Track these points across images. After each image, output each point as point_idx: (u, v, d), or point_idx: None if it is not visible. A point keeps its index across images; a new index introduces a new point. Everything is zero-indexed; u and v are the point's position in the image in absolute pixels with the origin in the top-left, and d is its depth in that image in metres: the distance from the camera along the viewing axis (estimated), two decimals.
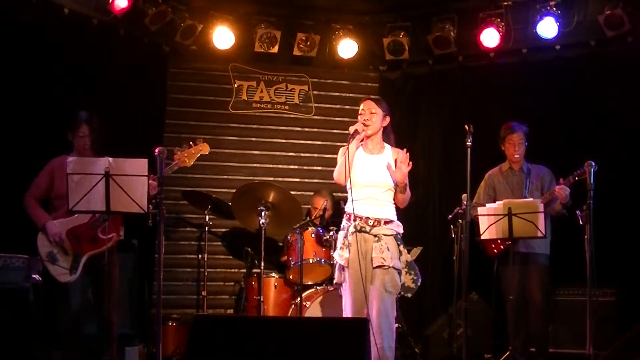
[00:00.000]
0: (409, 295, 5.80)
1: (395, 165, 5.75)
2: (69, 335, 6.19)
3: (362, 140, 5.84)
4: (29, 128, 7.19)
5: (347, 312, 5.62)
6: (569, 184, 6.79)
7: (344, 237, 5.72)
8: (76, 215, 6.06)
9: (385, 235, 5.68)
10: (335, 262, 5.83)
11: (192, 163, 6.50)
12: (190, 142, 6.48)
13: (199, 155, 6.49)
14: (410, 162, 5.73)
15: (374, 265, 5.60)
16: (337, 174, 5.78)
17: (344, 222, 5.79)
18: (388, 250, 5.62)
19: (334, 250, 5.98)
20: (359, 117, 5.84)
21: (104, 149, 6.28)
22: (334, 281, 5.86)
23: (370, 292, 5.58)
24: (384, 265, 5.59)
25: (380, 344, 5.49)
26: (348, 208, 5.78)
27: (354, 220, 5.67)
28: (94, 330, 6.32)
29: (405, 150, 5.73)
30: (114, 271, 6.36)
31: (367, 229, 5.66)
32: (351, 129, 5.74)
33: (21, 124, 7.16)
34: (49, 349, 6.72)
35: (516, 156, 7.23)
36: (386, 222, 5.72)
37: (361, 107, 5.88)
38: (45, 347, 6.65)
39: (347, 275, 5.66)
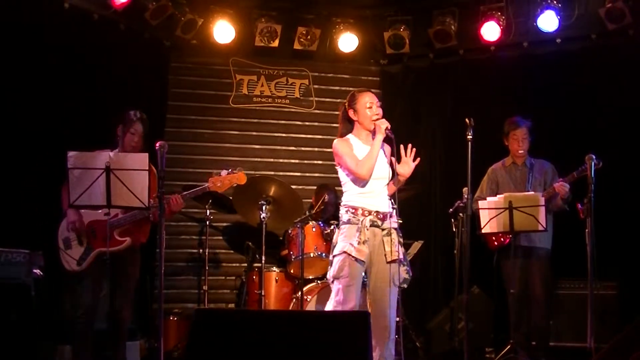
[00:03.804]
0: (405, 286, 5.74)
1: (399, 159, 5.70)
2: (80, 331, 6.18)
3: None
4: (30, 123, 7.19)
5: (353, 307, 5.50)
6: (571, 181, 6.80)
7: (358, 231, 5.52)
8: (105, 210, 6.00)
9: (393, 228, 5.65)
10: (338, 255, 5.57)
11: (224, 191, 6.50)
12: (230, 169, 6.45)
13: (233, 185, 6.45)
14: (418, 158, 5.68)
15: (389, 260, 5.55)
16: (366, 168, 5.55)
17: (350, 216, 5.59)
18: (398, 243, 5.62)
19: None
20: (367, 110, 5.65)
21: (103, 144, 6.28)
22: (335, 275, 5.57)
23: (382, 287, 5.56)
24: (397, 259, 5.57)
25: (388, 338, 5.50)
26: (354, 202, 5.64)
27: (363, 214, 5.57)
28: (104, 326, 6.32)
29: (410, 145, 5.68)
30: (130, 270, 6.33)
31: (379, 223, 5.59)
32: (382, 125, 5.57)
33: (22, 120, 7.16)
34: (55, 344, 6.73)
35: (520, 151, 7.24)
36: (390, 216, 5.68)
37: (366, 100, 5.68)
38: (51, 341, 6.66)
39: (358, 271, 5.53)
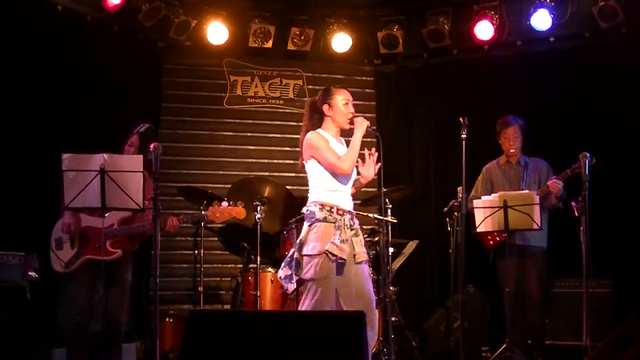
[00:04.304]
0: None
1: (380, 159, 5.65)
2: (75, 332, 6.18)
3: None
4: (25, 126, 7.17)
5: (331, 307, 5.40)
6: (564, 178, 6.81)
7: (338, 230, 5.40)
8: (107, 215, 5.97)
9: (360, 229, 5.62)
10: (316, 255, 5.38)
11: (220, 222, 6.53)
12: (230, 202, 6.44)
13: (231, 217, 6.44)
14: (379, 163, 5.68)
15: (359, 260, 5.49)
16: (349, 163, 5.49)
17: (326, 214, 5.44)
18: (364, 244, 5.60)
19: None
20: (344, 106, 5.60)
21: (98, 146, 6.26)
22: (316, 275, 5.37)
23: (364, 284, 5.50)
24: (365, 260, 5.55)
25: (375, 334, 5.48)
26: (327, 199, 5.49)
27: (338, 213, 5.46)
28: (98, 329, 6.29)
29: (374, 149, 5.63)
30: (127, 272, 6.35)
31: (351, 222, 5.52)
32: (364, 124, 5.56)
33: (17, 122, 7.14)
34: (49, 347, 6.71)
35: (512, 150, 7.24)
36: (355, 217, 5.64)
37: (343, 96, 5.63)
38: (45, 344, 6.65)
39: (336, 270, 5.41)
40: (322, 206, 5.49)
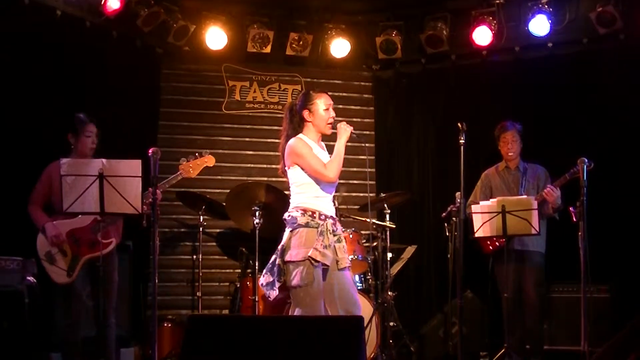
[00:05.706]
0: None
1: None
2: (68, 337, 6.16)
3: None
4: (24, 130, 7.18)
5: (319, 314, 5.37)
6: (562, 183, 6.81)
7: (321, 235, 5.36)
8: (78, 217, 6.02)
9: (342, 235, 5.61)
10: (300, 262, 5.33)
11: (196, 174, 6.50)
12: (196, 154, 6.45)
13: (203, 167, 6.47)
14: None
15: (342, 267, 5.47)
16: (335, 170, 5.47)
17: (308, 219, 5.39)
18: (345, 251, 5.58)
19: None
20: (324, 112, 5.55)
21: (97, 153, 6.28)
22: (301, 282, 5.32)
23: (349, 290, 5.50)
24: (348, 266, 5.53)
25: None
26: (310, 204, 5.46)
27: (320, 218, 5.42)
28: (93, 333, 6.28)
29: None
30: (114, 273, 6.33)
31: (334, 228, 5.50)
32: (348, 129, 5.54)
33: (16, 127, 7.15)
34: (46, 351, 6.71)
35: (510, 154, 7.25)
36: (337, 222, 5.62)
37: (324, 101, 5.56)
38: (42, 348, 6.64)
39: (321, 276, 5.37)
40: (304, 211, 5.45)
